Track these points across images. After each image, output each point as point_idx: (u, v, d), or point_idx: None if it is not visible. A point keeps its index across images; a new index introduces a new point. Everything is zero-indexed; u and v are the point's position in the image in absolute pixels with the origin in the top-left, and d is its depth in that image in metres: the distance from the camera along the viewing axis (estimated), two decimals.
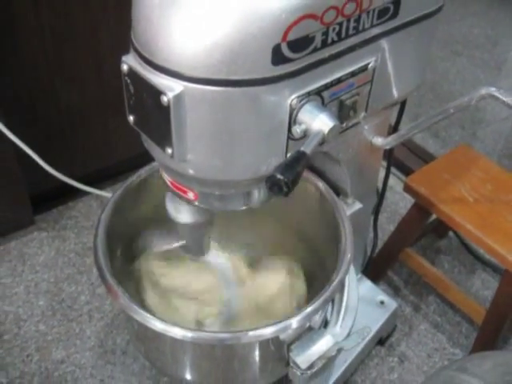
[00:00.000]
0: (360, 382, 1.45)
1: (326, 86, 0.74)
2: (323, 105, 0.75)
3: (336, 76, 0.75)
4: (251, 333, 0.87)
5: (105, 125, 1.70)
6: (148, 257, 1.19)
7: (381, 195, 1.31)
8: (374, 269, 1.57)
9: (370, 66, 0.80)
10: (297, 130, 0.72)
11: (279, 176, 0.63)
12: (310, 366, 0.97)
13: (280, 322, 0.89)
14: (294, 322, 0.90)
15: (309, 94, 0.72)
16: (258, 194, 0.83)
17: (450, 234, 1.84)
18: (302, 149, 0.67)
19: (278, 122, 0.72)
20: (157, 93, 0.68)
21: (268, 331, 0.88)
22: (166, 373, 1.16)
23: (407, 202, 1.93)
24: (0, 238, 1.71)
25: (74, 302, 1.56)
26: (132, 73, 0.72)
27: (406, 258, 1.56)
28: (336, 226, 1.06)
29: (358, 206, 1.14)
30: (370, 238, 1.51)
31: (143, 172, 1.11)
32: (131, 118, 0.78)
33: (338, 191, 1.13)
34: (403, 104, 1.14)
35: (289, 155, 0.68)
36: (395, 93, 0.93)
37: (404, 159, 2.06)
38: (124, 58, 0.73)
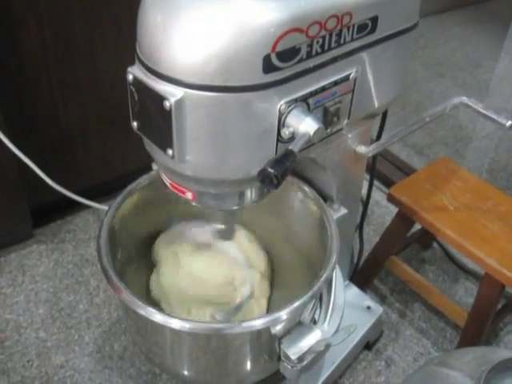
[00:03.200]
0: None
1: (311, 94, 0.82)
2: (309, 110, 0.83)
3: (320, 84, 0.84)
4: (244, 323, 0.94)
5: (103, 141, 1.77)
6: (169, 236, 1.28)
7: (365, 204, 1.39)
8: (361, 277, 1.64)
9: (351, 76, 0.89)
10: (285, 132, 0.80)
11: (270, 170, 0.71)
12: (300, 359, 1.03)
13: (270, 314, 0.96)
14: (284, 315, 0.96)
15: (296, 100, 0.80)
16: (250, 194, 0.91)
17: (435, 244, 1.92)
18: (290, 147, 0.75)
19: (268, 125, 0.80)
20: (160, 99, 0.76)
21: (259, 322, 0.95)
22: (165, 369, 1.22)
23: (393, 215, 1.98)
24: (0, 250, 1.77)
25: (73, 311, 1.62)
26: (137, 81, 0.80)
27: (392, 265, 1.63)
28: (323, 229, 1.13)
29: (343, 211, 1.21)
30: (357, 249, 1.59)
31: (143, 180, 1.19)
32: (135, 124, 0.85)
33: (324, 197, 1.20)
34: (384, 115, 1.22)
35: (279, 152, 0.77)
36: (375, 102, 1.01)
37: (390, 175, 2.15)
38: (129, 69, 0.81)
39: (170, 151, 0.80)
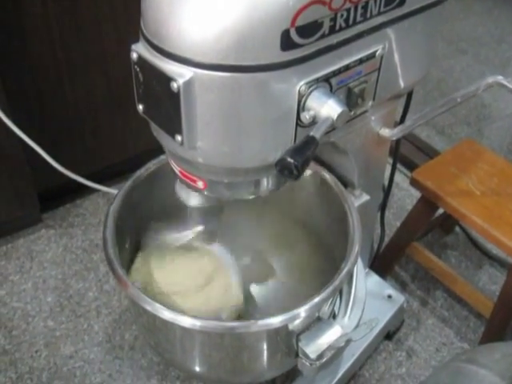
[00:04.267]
0: (368, 376, 1.45)
1: (335, 73, 0.75)
2: (331, 92, 0.76)
3: (344, 63, 0.76)
4: (260, 322, 0.87)
5: (112, 122, 1.71)
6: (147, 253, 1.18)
7: (387, 188, 1.31)
8: (382, 264, 1.57)
9: (377, 53, 0.81)
10: (305, 116, 0.72)
11: (289, 159, 0.64)
12: (319, 357, 0.97)
13: (289, 311, 0.89)
14: (303, 312, 0.90)
15: (317, 80, 0.72)
16: (266, 183, 0.84)
17: (457, 229, 1.84)
18: (312, 134, 0.68)
19: (287, 108, 0.72)
20: (166, 80, 0.68)
21: (277, 320, 0.88)
22: (174, 364, 1.16)
23: (413, 198, 1.93)
24: (8, 235, 1.71)
25: (82, 298, 1.57)
26: (141, 61, 0.72)
27: (413, 252, 1.56)
28: (344, 217, 1.06)
29: (365, 197, 1.14)
30: (376, 234, 1.51)
31: (151, 165, 1.12)
32: (140, 107, 0.78)
33: (345, 183, 1.13)
34: (409, 96, 1.14)
35: (299, 140, 0.69)
36: (402, 82, 0.93)
37: (410, 156, 2.06)
38: (133, 47, 0.73)
39: (178, 137, 0.73)
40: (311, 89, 0.72)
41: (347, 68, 0.76)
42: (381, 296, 1.45)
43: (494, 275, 1.72)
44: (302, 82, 0.71)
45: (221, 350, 0.95)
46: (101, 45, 1.54)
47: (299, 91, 0.71)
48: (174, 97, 0.68)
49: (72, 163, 1.60)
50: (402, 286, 1.67)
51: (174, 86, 0.67)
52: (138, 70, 0.73)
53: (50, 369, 1.42)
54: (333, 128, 0.74)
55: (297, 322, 0.91)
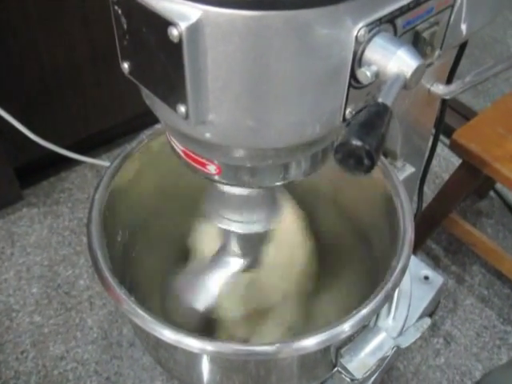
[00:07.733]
0: (403, 369, 1.27)
1: (402, 11, 0.52)
2: (396, 36, 0.53)
3: None
4: (295, 345, 0.67)
5: (96, 83, 1.48)
6: None
7: (429, 156, 1.10)
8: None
9: None
10: (365, 73, 0.49)
11: (356, 142, 0.41)
12: (364, 373, 0.79)
13: (331, 327, 0.69)
14: (347, 327, 0.69)
15: (380, 21, 0.50)
16: (299, 165, 0.62)
17: (491, 193, 1.64)
18: (381, 100, 0.46)
19: (338, 62, 0.49)
20: (162, 24, 0.46)
21: (314, 341, 0.67)
22: (184, 383, 0.97)
23: (448, 162, 1.72)
24: None
25: (72, 288, 1.37)
26: None
27: (451, 224, 1.36)
28: (385, 195, 0.85)
29: (410, 169, 0.93)
30: None
31: (144, 137, 0.90)
32: (126, 66, 0.56)
33: (383, 152, 0.92)
34: (462, 48, 0.92)
35: (364, 111, 0.46)
36: (470, 26, 0.71)
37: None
38: None
39: (181, 108, 0.51)
40: (372, 33, 0.49)
41: (417, 3, 0.54)
42: (416, 278, 1.25)
43: None
44: (360, 24, 0.48)
45: (240, 373, 0.76)
46: None
47: (357, 37, 0.48)
48: (174, 49, 0.46)
49: (53, 132, 1.40)
50: (435, 261, 1.48)
51: (174, 32, 0.45)
52: (119, 12, 0.51)
53: (38, 372, 1.23)
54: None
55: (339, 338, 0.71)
